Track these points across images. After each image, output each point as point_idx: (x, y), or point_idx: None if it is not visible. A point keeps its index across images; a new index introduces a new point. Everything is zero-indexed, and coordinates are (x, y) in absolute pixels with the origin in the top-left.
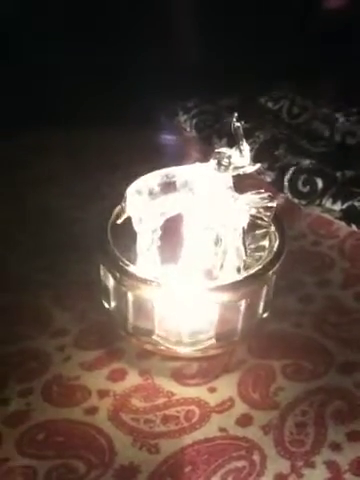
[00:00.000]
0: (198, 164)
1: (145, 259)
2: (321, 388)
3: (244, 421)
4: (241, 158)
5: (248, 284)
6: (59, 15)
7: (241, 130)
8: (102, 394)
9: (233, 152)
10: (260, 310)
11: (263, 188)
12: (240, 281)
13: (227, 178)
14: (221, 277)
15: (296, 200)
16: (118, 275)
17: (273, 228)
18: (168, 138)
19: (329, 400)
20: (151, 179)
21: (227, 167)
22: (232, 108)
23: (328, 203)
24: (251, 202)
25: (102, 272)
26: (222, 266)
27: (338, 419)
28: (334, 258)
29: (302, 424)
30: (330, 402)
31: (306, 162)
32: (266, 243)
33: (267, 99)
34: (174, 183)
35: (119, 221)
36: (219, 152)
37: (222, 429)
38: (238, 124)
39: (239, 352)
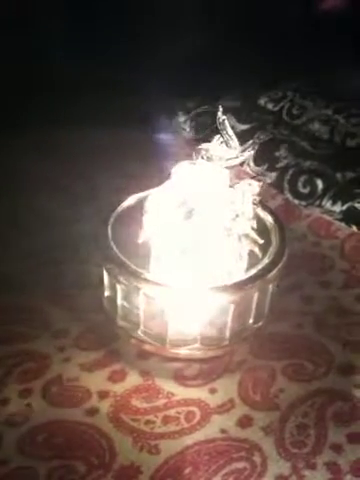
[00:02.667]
0: (184, 162)
1: (165, 266)
2: (322, 389)
3: (245, 422)
4: (230, 150)
5: (243, 287)
6: (59, 15)
7: (227, 122)
8: (102, 395)
9: (214, 145)
10: (251, 316)
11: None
12: (239, 282)
13: (224, 171)
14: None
15: (296, 201)
16: (134, 283)
17: (260, 208)
18: (166, 138)
19: (330, 401)
20: (167, 188)
21: (214, 160)
22: (232, 109)
23: (328, 204)
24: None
25: (109, 283)
26: (241, 257)
27: (339, 420)
28: (334, 259)
29: (303, 425)
30: (331, 403)
31: (306, 163)
32: (254, 224)
33: (267, 100)
34: (187, 188)
35: (140, 240)
36: (202, 149)
37: (223, 430)
38: (223, 117)
39: (240, 353)
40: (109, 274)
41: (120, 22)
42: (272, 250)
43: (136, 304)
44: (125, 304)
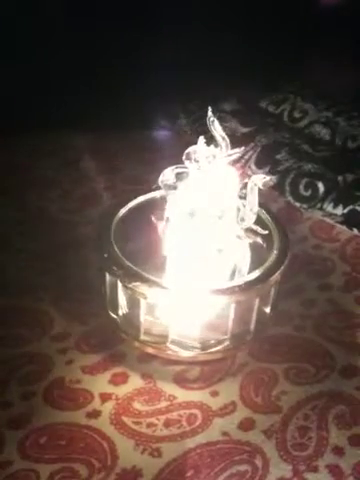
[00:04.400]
0: (169, 169)
1: (179, 271)
2: (323, 392)
3: (246, 425)
4: (221, 149)
5: (258, 284)
6: (59, 17)
7: (216, 123)
8: (104, 398)
9: (201, 147)
10: (268, 309)
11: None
12: (250, 281)
13: (232, 170)
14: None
15: (297, 204)
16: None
17: (262, 210)
18: (168, 141)
19: (331, 404)
20: (183, 195)
21: (203, 162)
22: (233, 112)
23: (329, 207)
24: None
25: (129, 301)
26: (246, 254)
27: (340, 423)
28: (335, 262)
29: (304, 428)
30: (332, 406)
31: (307, 166)
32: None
33: (268, 103)
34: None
35: (165, 253)
36: (190, 152)
37: (224, 433)
38: (213, 118)
39: (241, 356)
40: (133, 292)
41: (121, 26)
42: (274, 252)
43: (161, 316)
44: (148, 318)
